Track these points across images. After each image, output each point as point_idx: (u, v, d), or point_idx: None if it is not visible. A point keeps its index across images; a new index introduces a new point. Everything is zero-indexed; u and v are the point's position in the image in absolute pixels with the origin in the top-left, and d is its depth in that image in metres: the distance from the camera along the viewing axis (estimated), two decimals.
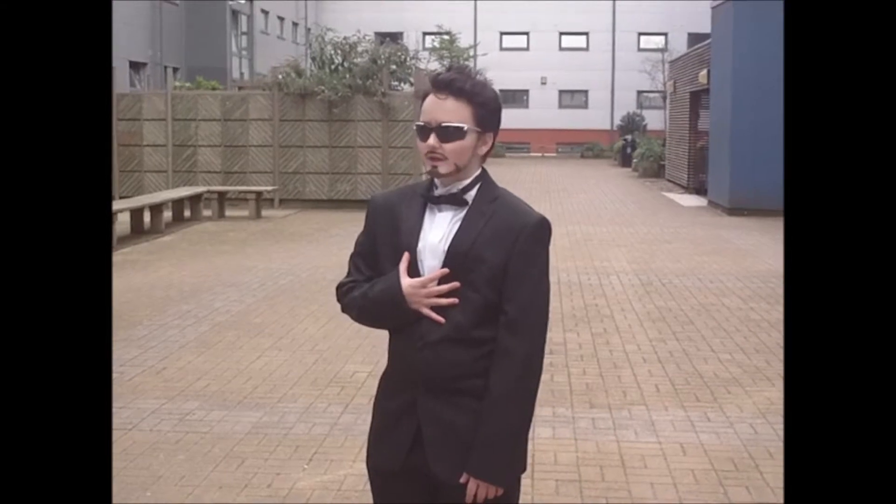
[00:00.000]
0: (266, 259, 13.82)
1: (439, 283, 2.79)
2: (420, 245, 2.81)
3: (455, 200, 2.82)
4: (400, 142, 21.04)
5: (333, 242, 15.72)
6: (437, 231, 2.82)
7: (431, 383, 2.81)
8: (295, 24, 49.00)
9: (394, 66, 21.64)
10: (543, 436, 6.13)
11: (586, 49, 52.27)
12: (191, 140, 21.72)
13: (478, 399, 2.80)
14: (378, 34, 36.38)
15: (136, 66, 32.00)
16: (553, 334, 8.95)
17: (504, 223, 2.79)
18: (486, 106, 2.80)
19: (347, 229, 17.33)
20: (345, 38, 22.25)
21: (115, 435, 6.14)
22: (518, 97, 52.43)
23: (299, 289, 11.42)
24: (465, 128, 2.77)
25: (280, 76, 21.64)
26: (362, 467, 5.54)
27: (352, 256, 3.03)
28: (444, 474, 2.82)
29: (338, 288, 3.03)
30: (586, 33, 52.27)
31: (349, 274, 3.01)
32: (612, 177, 33.87)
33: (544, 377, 7.34)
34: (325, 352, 8.30)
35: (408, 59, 22.16)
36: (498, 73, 48.79)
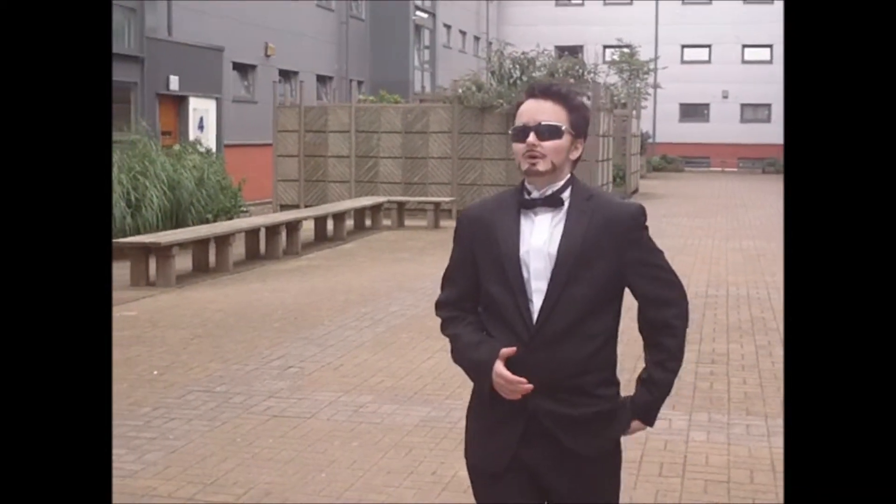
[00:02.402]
0: (441, 267, 14.13)
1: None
2: (522, 251, 2.92)
3: (552, 202, 2.93)
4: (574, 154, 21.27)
5: None
6: (540, 235, 2.92)
7: (542, 383, 2.91)
8: (476, 38, 49.76)
9: (572, 80, 21.93)
10: (697, 439, 6.34)
11: (770, 62, 51.19)
12: (373, 151, 22.51)
13: (589, 395, 2.94)
14: (558, 48, 36.67)
15: (322, 80, 33.20)
16: (717, 345, 9.10)
17: (607, 218, 2.91)
18: (579, 111, 2.97)
19: None
20: (523, 53, 22.68)
21: (295, 422, 6.67)
22: (699, 111, 51.79)
23: None
24: (563, 127, 2.91)
25: (460, 90, 22.23)
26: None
27: (446, 271, 3.18)
28: (582, 449, 2.95)
29: (437, 307, 3.20)
30: (770, 45, 51.16)
31: (442, 289, 3.18)
32: None
33: (703, 385, 7.60)
34: None
35: (585, 72, 22.41)
36: (678, 86, 48.50)
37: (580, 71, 22.33)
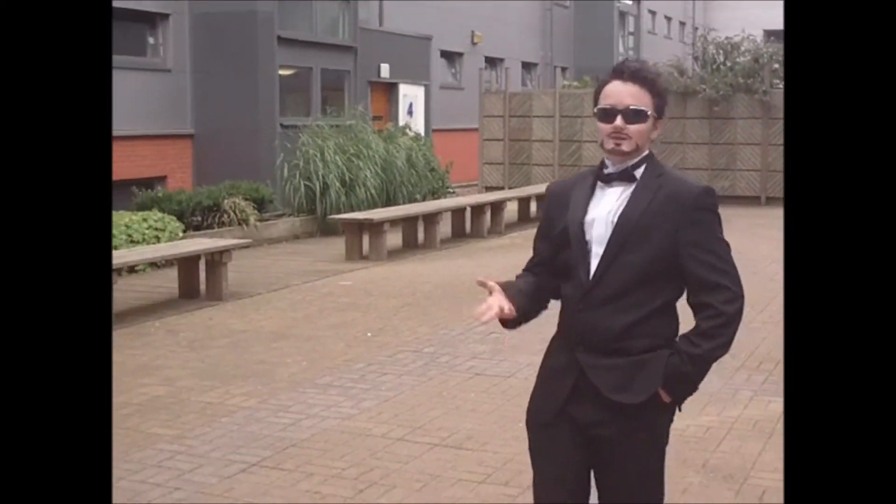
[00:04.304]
0: None
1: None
2: (588, 217, 3.08)
3: (625, 176, 3.08)
4: (780, 139, 21.07)
5: None
6: (607, 204, 3.08)
7: (589, 343, 3.06)
8: (682, 24, 49.27)
9: (776, 65, 21.70)
10: None
11: None
12: (576, 136, 22.88)
13: (631, 356, 3.02)
14: (766, 31, 36.03)
15: (527, 67, 33.74)
16: None
17: (670, 195, 3.03)
18: (662, 96, 3.10)
19: (724, 224, 17.77)
20: (727, 38, 22.59)
21: (496, 380, 7.21)
22: None
23: None
24: (648, 112, 3.04)
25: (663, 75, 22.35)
26: (705, 420, 6.34)
27: (534, 240, 3.35)
28: (629, 399, 3.04)
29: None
30: None
31: (532, 257, 3.37)
32: None
33: None
34: (684, 328, 9.00)
35: None
36: None
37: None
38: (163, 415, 6.51)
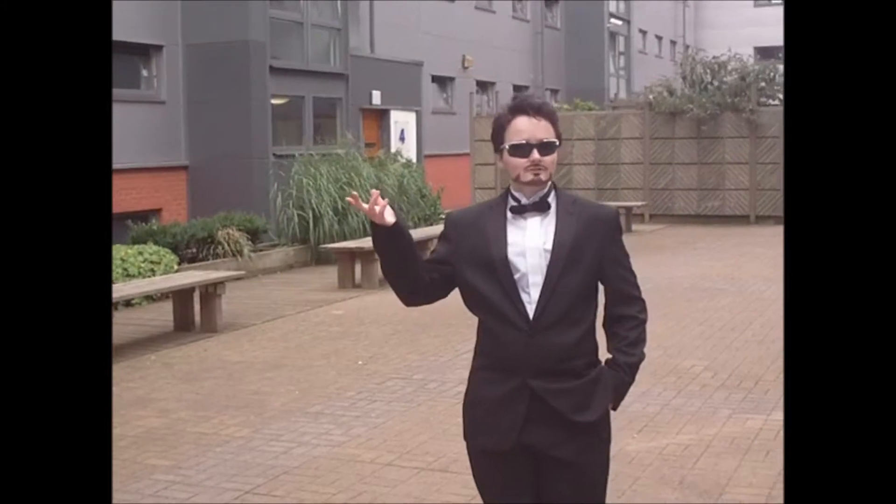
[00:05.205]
0: (636, 268, 14.80)
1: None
2: (512, 250, 3.24)
3: (541, 207, 3.27)
4: (768, 157, 21.37)
5: (696, 255, 16.59)
6: (533, 235, 3.26)
7: (539, 368, 3.22)
8: (673, 43, 49.60)
9: (762, 83, 22.00)
10: None
11: None
12: (566, 159, 23.12)
13: (578, 375, 3.25)
14: (757, 49, 36.35)
15: (518, 90, 33.91)
16: None
17: (593, 217, 3.30)
18: (558, 125, 3.33)
19: (712, 244, 18.08)
20: (714, 58, 22.91)
21: None
22: None
23: (655, 294, 12.30)
24: (557, 143, 3.28)
25: (651, 96, 22.66)
26: (684, 439, 6.52)
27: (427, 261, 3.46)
28: (588, 417, 3.26)
29: None
30: None
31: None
32: None
33: None
34: (669, 348, 9.22)
35: (777, 75, 22.42)
36: None
37: (771, 74, 22.35)
38: (159, 446, 6.71)
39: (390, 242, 3.31)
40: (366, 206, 3.21)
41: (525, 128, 3.26)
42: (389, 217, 3.24)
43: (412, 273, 3.38)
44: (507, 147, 3.27)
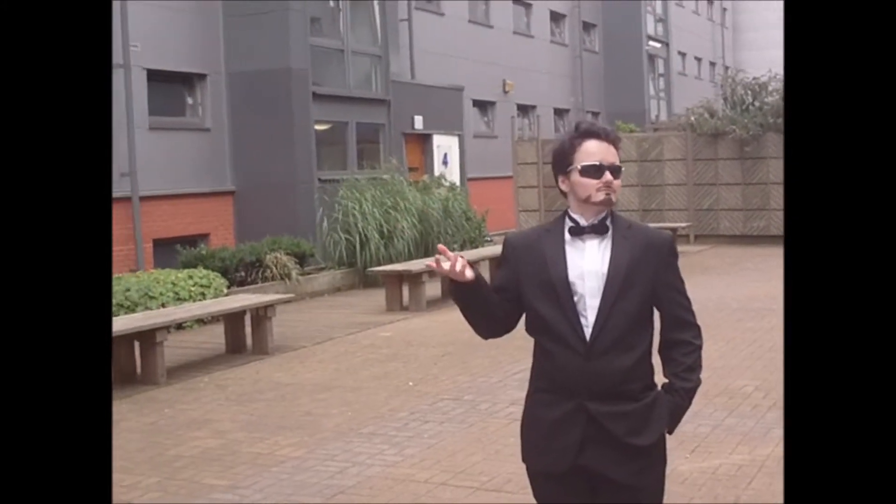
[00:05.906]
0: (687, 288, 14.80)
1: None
2: (572, 273, 3.30)
3: (600, 229, 3.33)
4: None
5: (743, 275, 16.54)
6: (592, 258, 3.32)
7: (595, 391, 3.27)
8: (712, 64, 49.55)
9: None
10: None
11: None
12: None
13: (635, 399, 3.30)
14: None
15: (559, 113, 34.11)
16: None
17: (648, 242, 3.36)
18: (620, 151, 3.44)
19: (760, 264, 17.99)
20: (754, 79, 22.87)
21: None
22: None
23: (704, 314, 12.17)
24: (623, 168, 3.39)
25: (693, 118, 22.65)
26: (737, 459, 6.51)
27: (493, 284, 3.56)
28: (643, 441, 3.30)
29: None
30: None
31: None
32: None
33: None
34: (719, 369, 9.20)
35: None
36: None
37: None
38: (216, 466, 6.81)
39: (472, 296, 3.42)
40: (446, 267, 3.28)
41: (597, 150, 3.33)
42: (469, 273, 3.32)
43: (492, 315, 3.48)
44: (578, 168, 3.33)
